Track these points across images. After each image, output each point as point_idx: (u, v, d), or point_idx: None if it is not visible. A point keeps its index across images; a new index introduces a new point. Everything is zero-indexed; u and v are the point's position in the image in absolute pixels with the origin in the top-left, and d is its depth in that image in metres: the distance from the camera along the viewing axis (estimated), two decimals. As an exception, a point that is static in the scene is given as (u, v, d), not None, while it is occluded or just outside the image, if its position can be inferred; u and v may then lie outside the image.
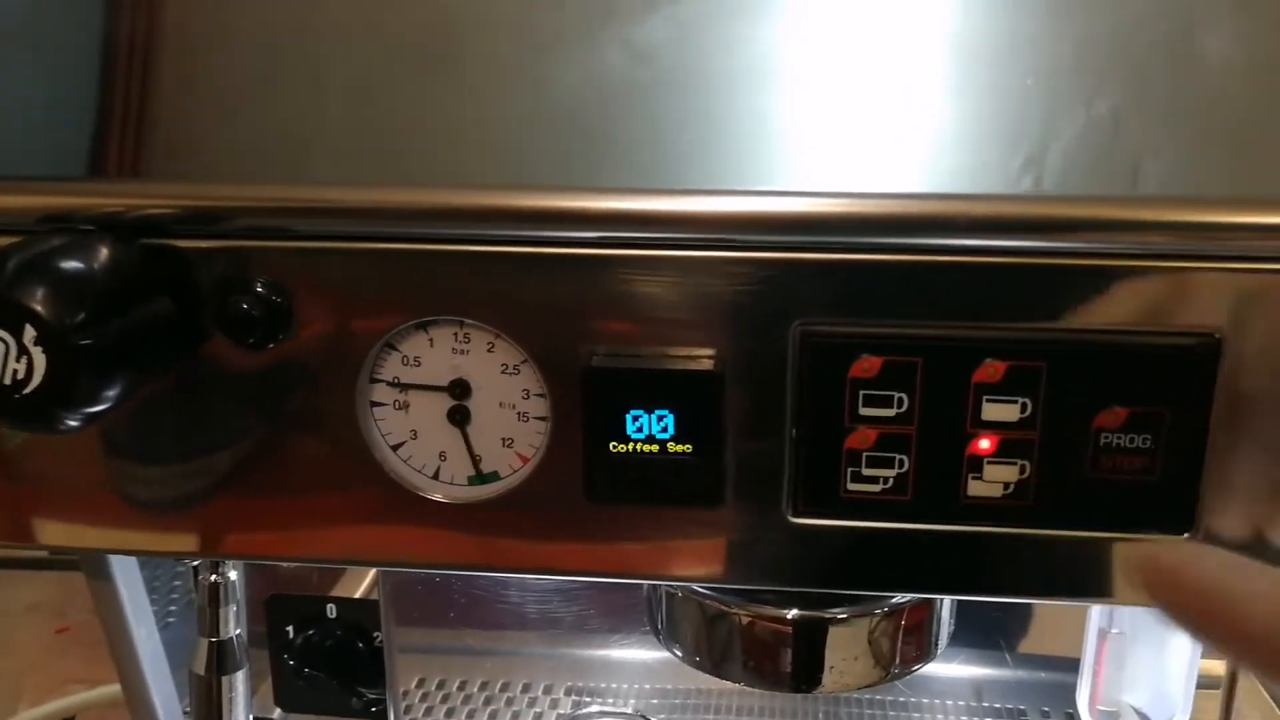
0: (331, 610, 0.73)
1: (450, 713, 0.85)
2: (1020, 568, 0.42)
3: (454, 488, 0.44)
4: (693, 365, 0.41)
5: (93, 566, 0.61)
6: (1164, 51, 0.41)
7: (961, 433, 0.40)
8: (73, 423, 0.39)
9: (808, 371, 0.40)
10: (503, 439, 0.43)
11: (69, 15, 0.49)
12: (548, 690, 0.87)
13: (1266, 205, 0.37)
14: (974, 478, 0.41)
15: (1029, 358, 0.39)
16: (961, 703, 0.84)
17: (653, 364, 0.41)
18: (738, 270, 0.40)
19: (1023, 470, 0.40)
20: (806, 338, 0.40)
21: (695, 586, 0.53)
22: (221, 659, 0.61)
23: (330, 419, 0.43)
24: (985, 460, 0.40)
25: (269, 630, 0.74)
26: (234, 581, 0.61)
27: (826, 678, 0.53)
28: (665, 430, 0.41)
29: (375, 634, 0.73)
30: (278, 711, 0.77)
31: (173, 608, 0.80)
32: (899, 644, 0.53)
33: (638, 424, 0.41)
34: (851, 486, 0.41)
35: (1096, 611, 0.68)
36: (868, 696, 0.85)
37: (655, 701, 0.85)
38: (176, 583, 0.84)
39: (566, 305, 0.41)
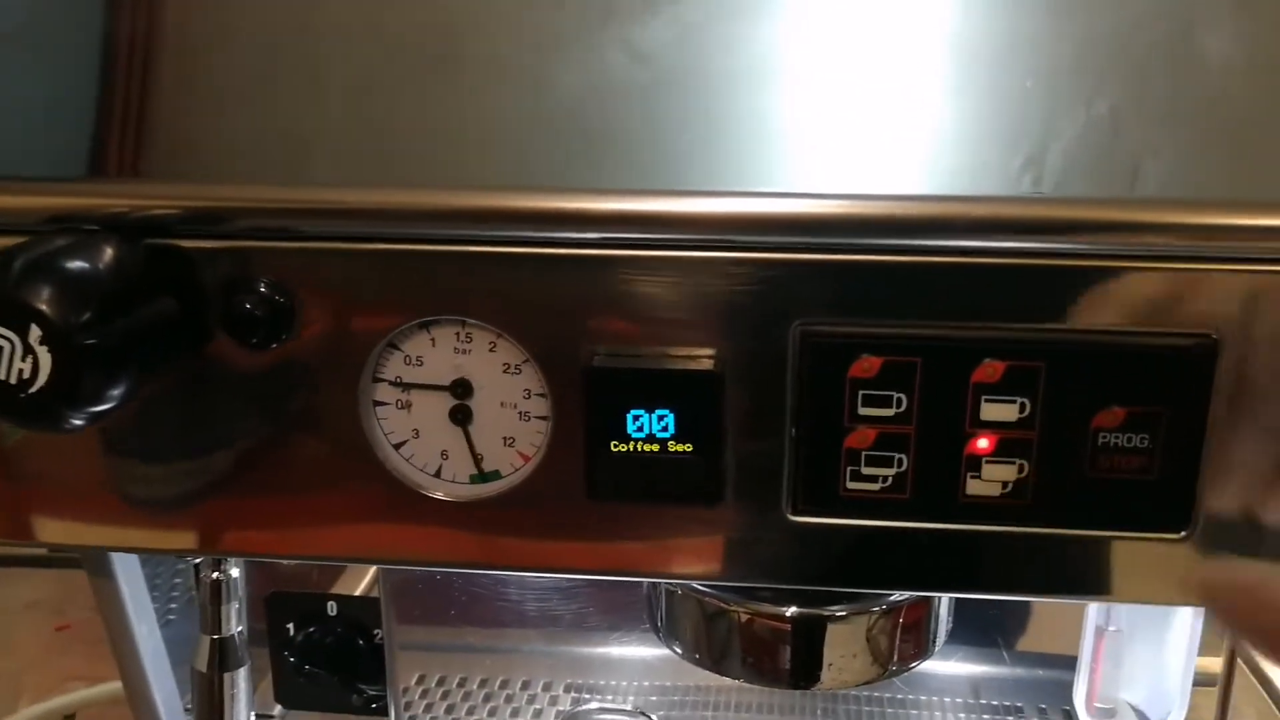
0: (332, 608, 0.73)
1: (450, 709, 0.85)
2: (1018, 566, 0.42)
3: (456, 486, 0.44)
4: (693, 365, 0.41)
5: (95, 564, 0.61)
6: (1164, 52, 0.42)
7: (960, 432, 0.40)
8: (77, 422, 0.39)
9: (807, 371, 0.40)
10: (504, 438, 0.43)
11: (69, 15, 0.49)
12: (547, 687, 0.87)
13: (1263, 208, 0.38)
14: (973, 477, 0.41)
15: (1027, 358, 0.39)
16: (959, 700, 0.84)
17: (653, 364, 0.41)
18: (738, 271, 0.40)
19: (1021, 469, 0.41)
20: (806, 338, 0.40)
21: (695, 584, 0.53)
22: (224, 656, 0.61)
23: (333, 418, 0.44)
24: (984, 459, 0.41)
25: (269, 628, 0.74)
26: (236, 579, 0.61)
27: (825, 674, 0.53)
28: (666, 429, 0.42)
29: (375, 631, 0.73)
30: (278, 708, 0.77)
31: (173, 605, 0.80)
32: (897, 641, 0.54)
33: (638, 423, 0.42)
34: (851, 485, 0.42)
35: (1094, 609, 0.68)
36: (866, 693, 0.85)
37: (654, 699, 0.85)
38: (177, 580, 0.84)
39: (567, 305, 0.41)
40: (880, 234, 0.39)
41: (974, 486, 0.41)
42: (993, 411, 0.40)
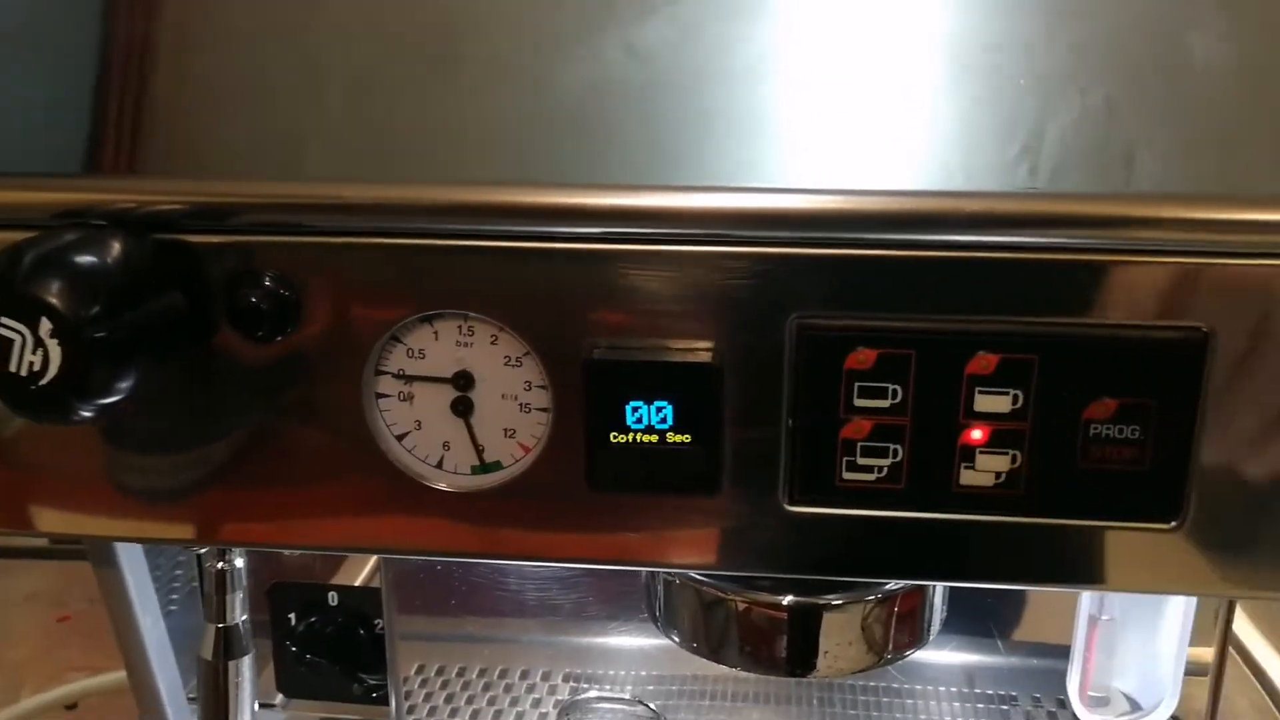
0: (333, 598, 0.74)
1: (450, 699, 0.86)
2: (1011, 555, 0.43)
3: (457, 477, 0.45)
4: (691, 357, 0.41)
5: (100, 555, 0.62)
6: (1157, 52, 0.42)
7: (954, 423, 0.41)
8: (86, 413, 0.39)
9: (804, 363, 0.41)
10: (505, 429, 0.44)
11: (69, 15, 0.49)
12: (546, 677, 0.88)
13: (1253, 203, 0.38)
14: (966, 467, 0.41)
15: (1020, 350, 0.40)
16: (954, 689, 0.85)
17: (652, 356, 0.41)
18: (735, 265, 0.40)
19: (1014, 460, 0.41)
20: (803, 330, 0.41)
21: (693, 574, 0.54)
22: (229, 644, 0.62)
23: (336, 410, 0.44)
24: (977, 450, 0.41)
25: (271, 617, 0.74)
26: (240, 569, 0.61)
27: (821, 662, 0.53)
28: (664, 421, 0.42)
29: (376, 621, 0.74)
30: (280, 697, 0.78)
31: (174, 596, 0.81)
32: (892, 630, 0.54)
33: (637, 415, 0.42)
34: (846, 476, 0.42)
35: (1087, 598, 0.69)
36: (861, 682, 0.85)
37: (652, 688, 0.86)
38: (178, 571, 0.84)
39: (568, 299, 0.41)
40: (875, 229, 0.39)
41: (968, 477, 0.41)
42: (986, 403, 0.40)
